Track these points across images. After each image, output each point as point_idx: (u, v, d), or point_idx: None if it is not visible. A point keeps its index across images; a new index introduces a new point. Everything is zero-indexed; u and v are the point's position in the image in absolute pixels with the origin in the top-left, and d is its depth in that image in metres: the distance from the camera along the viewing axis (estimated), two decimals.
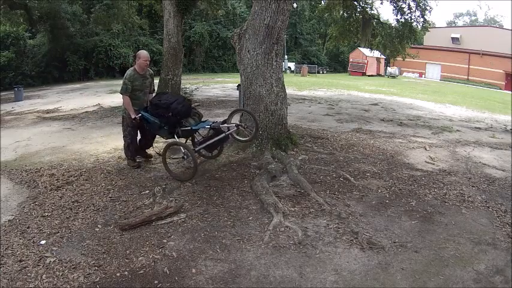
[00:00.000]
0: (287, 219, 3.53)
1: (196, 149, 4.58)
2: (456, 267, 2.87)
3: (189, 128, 4.44)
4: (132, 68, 4.88)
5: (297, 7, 33.96)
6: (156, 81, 12.53)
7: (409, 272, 2.79)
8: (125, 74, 4.81)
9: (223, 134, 4.50)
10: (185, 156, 4.41)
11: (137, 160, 5.08)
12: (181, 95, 4.79)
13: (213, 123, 4.57)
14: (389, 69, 39.33)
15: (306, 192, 4.08)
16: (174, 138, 4.52)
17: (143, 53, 4.89)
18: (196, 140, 4.81)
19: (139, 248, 3.07)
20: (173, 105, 4.38)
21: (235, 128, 4.59)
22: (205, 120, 4.78)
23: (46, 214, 3.68)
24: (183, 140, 4.64)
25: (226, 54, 33.73)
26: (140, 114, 4.66)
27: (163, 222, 3.46)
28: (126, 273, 2.76)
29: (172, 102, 4.42)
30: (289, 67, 36.64)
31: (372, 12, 13.10)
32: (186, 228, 3.38)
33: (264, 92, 5.21)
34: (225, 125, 4.55)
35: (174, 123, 4.43)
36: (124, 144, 5.04)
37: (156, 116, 4.49)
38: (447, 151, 6.37)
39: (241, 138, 4.84)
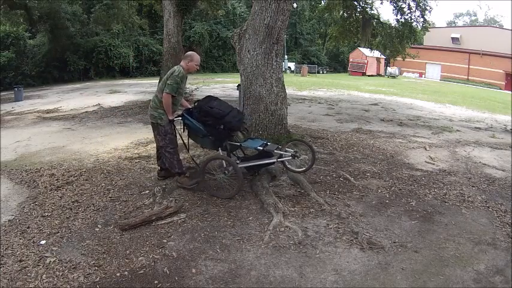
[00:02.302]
0: (287, 219, 3.53)
1: (239, 166, 4.02)
2: (456, 267, 2.87)
3: (238, 144, 4.06)
4: (180, 66, 4.21)
5: (297, 7, 33.96)
6: (156, 81, 12.59)
7: (409, 272, 2.79)
8: (175, 71, 4.13)
9: (273, 160, 4.05)
10: (226, 172, 3.98)
11: (193, 180, 4.25)
12: (233, 106, 4.24)
13: (266, 144, 4.11)
14: (389, 69, 39.33)
15: (306, 192, 4.08)
16: (217, 150, 4.13)
17: (197, 57, 4.31)
18: (235, 154, 4.28)
19: (139, 248, 3.07)
20: (227, 117, 3.94)
21: (290, 157, 4.06)
22: (255, 138, 4.34)
23: (46, 214, 3.68)
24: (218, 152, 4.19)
25: (226, 54, 33.75)
26: (179, 117, 4.17)
27: (163, 222, 3.46)
28: (126, 273, 2.76)
29: (227, 114, 3.96)
30: (289, 67, 36.65)
31: (372, 12, 13.10)
32: (186, 228, 3.38)
33: (264, 92, 5.21)
34: (279, 151, 4.09)
35: (223, 137, 4.01)
36: (167, 158, 4.19)
37: (203, 124, 4.01)
38: (447, 151, 6.37)
39: (294, 169, 4.35)
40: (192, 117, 4.10)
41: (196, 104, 4.22)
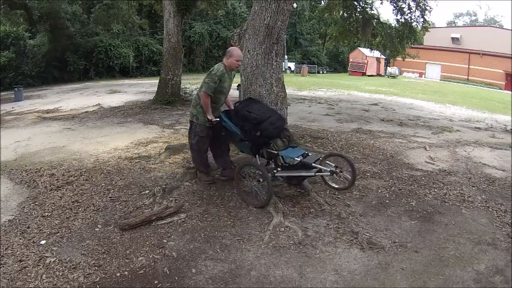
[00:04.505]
0: (287, 219, 3.53)
1: (276, 174, 3.81)
2: (456, 267, 2.87)
3: (276, 152, 3.80)
4: (221, 64, 4.05)
5: (297, 7, 33.97)
6: (156, 81, 12.61)
7: (409, 272, 2.79)
8: (214, 69, 4.00)
9: (312, 173, 3.77)
10: (260, 180, 3.79)
11: (210, 177, 4.33)
12: (275, 110, 4.01)
13: (306, 155, 3.84)
14: (389, 69, 39.33)
15: (306, 192, 4.08)
16: (255, 156, 3.94)
17: (237, 52, 4.12)
18: (276, 162, 4.00)
19: (139, 248, 3.07)
20: (264, 124, 3.70)
21: (329, 174, 3.79)
22: (296, 147, 4.06)
23: (46, 214, 3.68)
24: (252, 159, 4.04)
25: None
26: (218, 119, 3.98)
27: (163, 222, 3.46)
28: (126, 273, 2.76)
29: (264, 120, 3.73)
30: (289, 67, 36.64)
31: (372, 12, 13.10)
32: (186, 228, 3.38)
33: (264, 92, 5.20)
34: (318, 165, 3.80)
35: (260, 144, 3.80)
36: (191, 155, 4.38)
37: (240, 128, 3.82)
38: (447, 151, 6.36)
39: (334, 185, 4.09)
40: (230, 119, 3.92)
41: (234, 105, 4.06)
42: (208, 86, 3.91)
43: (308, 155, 3.85)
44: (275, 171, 3.82)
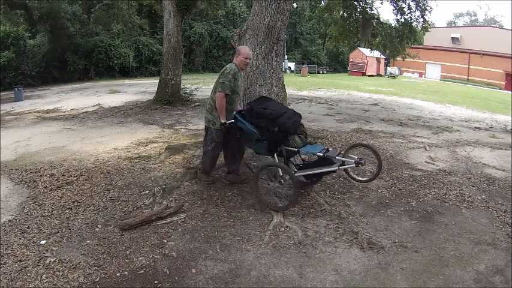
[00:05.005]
0: (287, 219, 3.53)
1: (296, 174, 3.69)
2: (456, 267, 2.87)
3: (296, 149, 3.71)
4: (233, 64, 3.96)
5: (297, 7, 33.95)
6: (156, 81, 12.61)
7: (409, 272, 2.79)
8: (227, 68, 3.89)
9: (334, 168, 3.66)
10: (282, 181, 3.71)
11: (210, 177, 4.27)
12: (288, 107, 3.89)
13: (327, 150, 3.72)
14: (389, 69, 39.34)
15: (306, 192, 4.08)
16: (272, 156, 3.80)
17: (244, 50, 4.01)
18: (293, 161, 3.89)
19: (139, 248, 3.07)
20: (281, 118, 3.61)
21: (354, 165, 3.65)
22: (315, 143, 3.99)
23: (46, 214, 3.68)
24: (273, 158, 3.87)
25: (226, 54, 33.72)
26: (232, 121, 3.84)
27: (163, 222, 3.46)
28: (126, 273, 2.76)
29: (281, 115, 3.64)
30: (289, 67, 36.65)
31: (372, 12, 13.11)
32: (186, 228, 3.38)
33: (264, 92, 5.21)
34: (341, 157, 3.70)
35: (278, 141, 3.68)
36: (203, 159, 4.23)
37: (256, 126, 3.69)
38: (447, 151, 6.36)
39: (359, 178, 3.99)
40: (244, 119, 3.79)
41: (248, 105, 3.96)
42: (225, 86, 3.79)
43: (328, 150, 3.74)
44: (295, 169, 3.74)
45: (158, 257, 2.95)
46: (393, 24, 13.45)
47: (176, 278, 2.70)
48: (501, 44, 36.34)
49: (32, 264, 2.84)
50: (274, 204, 3.70)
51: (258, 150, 4.03)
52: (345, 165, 3.67)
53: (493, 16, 74.25)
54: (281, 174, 3.68)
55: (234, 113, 3.96)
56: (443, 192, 4.33)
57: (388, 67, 40.20)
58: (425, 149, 6.36)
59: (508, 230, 3.46)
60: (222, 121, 3.82)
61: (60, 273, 2.74)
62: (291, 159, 3.94)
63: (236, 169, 4.26)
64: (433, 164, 5.50)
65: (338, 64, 46.71)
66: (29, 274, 2.73)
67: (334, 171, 3.77)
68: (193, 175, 4.50)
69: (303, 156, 4.28)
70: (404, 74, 42.49)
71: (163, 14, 11.07)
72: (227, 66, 3.95)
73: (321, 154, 3.64)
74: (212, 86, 4.08)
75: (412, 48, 17.49)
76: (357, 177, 3.88)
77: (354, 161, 3.62)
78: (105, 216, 3.63)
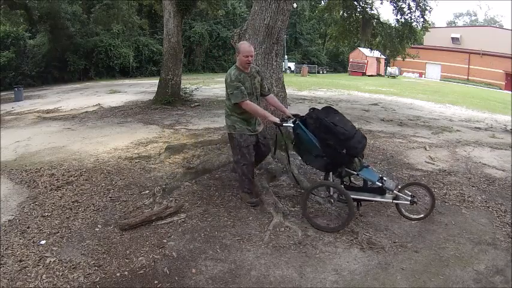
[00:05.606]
0: (287, 219, 3.53)
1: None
2: (456, 267, 2.87)
3: (355, 173, 3.44)
4: (233, 67, 3.62)
5: (297, 7, 33.97)
6: (156, 81, 12.61)
7: (409, 272, 2.79)
8: (228, 75, 3.56)
9: (388, 200, 3.43)
10: (332, 201, 3.55)
11: (254, 198, 3.81)
12: (355, 127, 3.52)
13: (381, 179, 3.43)
14: (389, 69, 39.37)
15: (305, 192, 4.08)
16: (327, 173, 3.56)
17: (243, 46, 3.57)
18: (343, 180, 3.59)
19: (139, 248, 3.06)
20: (352, 142, 3.27)
21: (408, 203, 3.41)
22: (368, 166, 3.64)
23: (46, 214, 3.67)
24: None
25: (226, 54, 33.77)
26: (291, 124, 3.49)
27: (163, 222, 3.46)
28: (126, 273, 2.76)
29: (352, 137, 3.29)
30: (289, 67, 36.66)
31: (372, 12, 13.12)
32: (186, 228, 3.38)
33: None
34: (396, 192, 3.43)
35: (342, 163, 3.38)
36: (238, 172, 3.79)
37: (320, 141, 3.32)
38: (447, 151, 6.36)
39: (410, 215, 3.59)
40: (307, 128, 3.40)
41: (312, 112, 3.47)
42: (235, 95, 3.46)
43: (383, 178, 3.47)
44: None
45: (158, 257, 2.95)
46: (393, 24, 13.47)
47: (176, 278, 2.70)
48: (501, 44, 36.36)
49: (32, 264, 2.84)
50: (324, 225, 3.46)
51: (312, 163, 3.63)
52: (398, 200, 3.45)
53: (493, 16, 74.43)
54: (332, 193, 3.50)
55: (297, 118, 3.54)
56: (443, 192, 4.33)
57: (388, 67, 40.21)
58: (425, 149, 6.36)
59: (508, 230, 3.47)
60: (274, 120, 3.49)
61: (60, 273, 2.73)
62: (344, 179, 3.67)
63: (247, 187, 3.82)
64: (433, 164, 5.50)
65: (338, 64, 46.72)
66: (29, 274, 2.72)
67: (388, 203, 3.54)
68: (193, 175, 4.50)
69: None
70: (404, 74, 42.51)
71: (163, 14, 11.08)
72: (228, 72, 3.62)
73: (380, 184, 3.38)
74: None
75: (412, 48, 17.49)
76: (407, 214, 3.64)
77: (410, 199, 3.40)
78: (105, 216, 3.63)
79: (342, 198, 3.45)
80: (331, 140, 3.25)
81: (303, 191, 4.11)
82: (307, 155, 3.49)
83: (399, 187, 3.53)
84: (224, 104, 3.80)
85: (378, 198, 3.46)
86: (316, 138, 3.33)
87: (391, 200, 3.42)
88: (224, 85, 3.77)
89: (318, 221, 3.49)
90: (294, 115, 3.64)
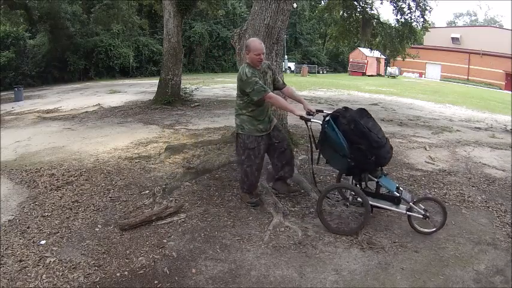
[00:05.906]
0: (287, 219, 3.53)
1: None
2: (456, 267, 2.87)
3: (376, 180, 3.36)
4: (244, 65, 3.46)
5: (297, 7, 33.97)
6: (156, 81, 12.61)
7: (409, 272, 2.79)
8: (242, 74, 3.38)
9: (403, 211, 3.33)
10: (348, 204, 3.51)
11: (254, 198, 3.79)
12: (385, 135, 3.42)
13: (398, 189, 3.36)
14: (389, 69, 39.37)
15: (306, 192, 4.08)
16: (348, 175, 3.51)
17: (254, 44, 3.40)
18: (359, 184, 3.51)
19: (139, 248, 3.06)
20: (383, 151, 3.18)
21: (421, 217, 3.33)
22: (387, 175, 3.55)
23: (46, 214, 3.68)
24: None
25: (226, 54, 33.81)
26: (318, 122, 3.40)
27: (163, 222, 3.46)
28: (126, 273, 2.76)
29: (383, 146, 3.20)
30: (289, 67, 36.68)
31: (372, 12, 13.12)
32: (186, 228, 3.38)
33: None
34: (412, 205, 3.32)
35: (367, 169, 3.30)
36: (241, 174, 3.71)
37: (350, 143, 3.19)
38: (447, 151, 6.36)
39: (421, 229, 3.46)
40: (337, 126, 3.26)
41: (345, 112, 3.36)
42: (256, 91, 3.30)
43: (400, 188, 3.41)
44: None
45: (158, 257, 2.95)
46: (393, 24, 13.46)
47: (176, 278, 2.70)
48: (501, 44, 36.38)
49: (32, 264, 2.84)
50: (338, 228, 3.41)
51: (334, 164, 3.55)
52: (411, 212, 3.36)
53: (493, 16, 74.47)
54: (349, 197, 3.46)
55: (329, 114, 3.41)
56: (443, 192, 4.33)
57: (388, 67, 40.23)
58: (425, 149, 6.36)
59: (508, 230, 3.46)
60: (299, 114, 3.35)
61: (60, 273, 2.73)
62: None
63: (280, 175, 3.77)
64: (433, 164, 5.50)
65: (338, 64, 46.76)
66: (29, 274, 2.72)
67: (402, 214, 3.45)
68: (194, 175, 4.50)
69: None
70: (404, 74, 42.51)
71: (163, 14, 11.08)
72: (240, 71, 3.44)
73: (398, 195, 3.32)
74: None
75: (412, 48, 17.50)
76: (417, 227, 3.53)
77: (423, 213, 3.33)
78: (105, 216, 3.63)
79: (357, 201, 3.41)
80: (363, 145, 3.14)
81: (302, 191, 4.11)
82: (332, 154, 3.36)
83: (414, 200, 3.46)
84: (235, 103, 3.65)
85: (394, 208, 3.38)
86: (345, 139, 3.20)
87: (405, 212, 3.34)
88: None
89: (332, 223, 3.45)
90: (318, 111, 3.50)
